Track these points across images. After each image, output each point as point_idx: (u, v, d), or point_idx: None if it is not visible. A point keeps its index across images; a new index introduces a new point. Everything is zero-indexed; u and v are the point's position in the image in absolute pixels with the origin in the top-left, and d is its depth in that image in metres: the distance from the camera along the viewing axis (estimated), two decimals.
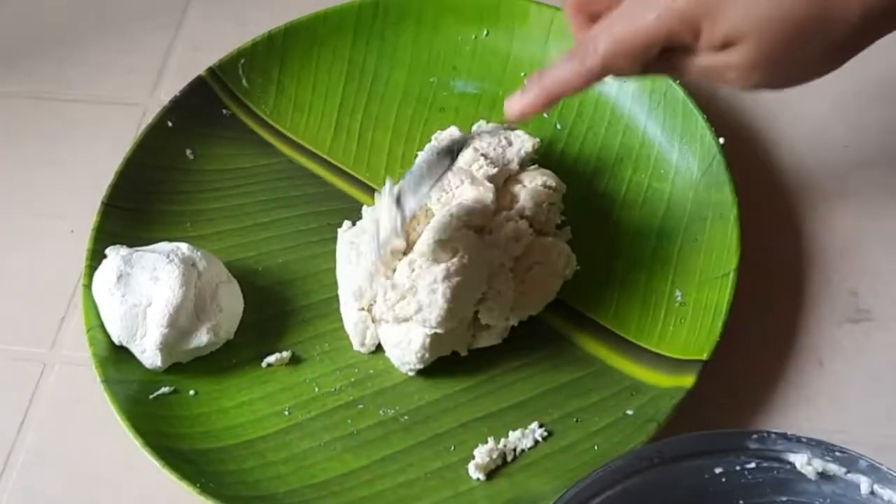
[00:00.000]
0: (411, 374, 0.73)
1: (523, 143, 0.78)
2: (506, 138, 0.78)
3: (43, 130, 0.89)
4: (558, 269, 0.74)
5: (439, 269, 0.70)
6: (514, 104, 0.64)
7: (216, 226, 0.81)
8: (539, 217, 0.75)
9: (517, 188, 0.76)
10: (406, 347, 0.71)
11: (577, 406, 0.71)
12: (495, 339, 0.73)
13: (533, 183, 0.76)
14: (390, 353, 0.73)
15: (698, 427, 0.69)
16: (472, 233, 0.72)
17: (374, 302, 0.72)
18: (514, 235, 0.73)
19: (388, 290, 0.71)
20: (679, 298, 0.74)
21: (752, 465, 0.58)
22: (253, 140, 0.85)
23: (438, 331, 0.70)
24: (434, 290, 0.69)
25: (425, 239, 0.71)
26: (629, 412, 0.70)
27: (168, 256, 0.73)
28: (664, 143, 0.80)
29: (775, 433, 0.57)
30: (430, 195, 0.72)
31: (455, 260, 0.70)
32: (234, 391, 0.74)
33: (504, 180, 0.77)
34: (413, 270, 0.71)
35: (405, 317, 0.71)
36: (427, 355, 0.71)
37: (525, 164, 0.78)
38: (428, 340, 0.71)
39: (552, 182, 0.77)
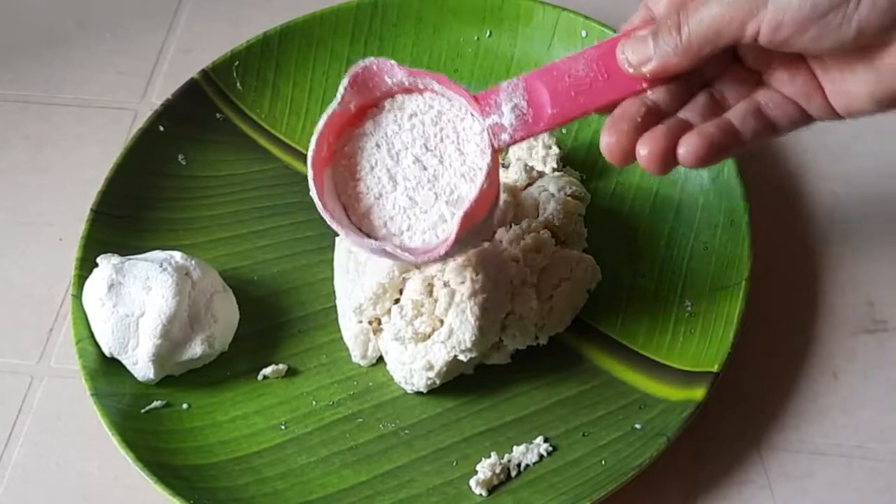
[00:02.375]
0: (411, 392, 0.71)
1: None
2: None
3: (29, 135, 0.88)
4: (584, 283, 0.72)
5: (464, 289, 0.68)
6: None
7: (209, 234, 0.79)
8: (566, 229, 0.73)
9: (543, 195, 0.74)
10: (418, 369, 0.69)
11: (583, 420, 0.70)
12: (504, 358, 0.72)
13: (562, 192, 0.74)
14: (394, 368, 0.71)
15: (708, 442, 0.68)
16: (485, 245, 0.70)
17: (380, 318, 0.71)
18: (534, 246, 0.71)
19: (405, 307, 0.69)
20: (689, 308, 0.72)
21: None
22: (247, 145, 0.83)
23: (472, 354, 0.69)
24: (463, 311, 0.68)
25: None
26: (637, 426, 0.68)
27: (161, 265, 0.71)
28: None
29: None
30: None
31: (476, 277, 0.68)
32: (229, 405, 0.72)
33: (525, 185, 0.75)
34: (429, 288, 0.69)
35: (425, 333, 0.69)
36: (439, 381, 0.70)
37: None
38: (448, 364, 0.69)
39: (581, 191, 0.75)
